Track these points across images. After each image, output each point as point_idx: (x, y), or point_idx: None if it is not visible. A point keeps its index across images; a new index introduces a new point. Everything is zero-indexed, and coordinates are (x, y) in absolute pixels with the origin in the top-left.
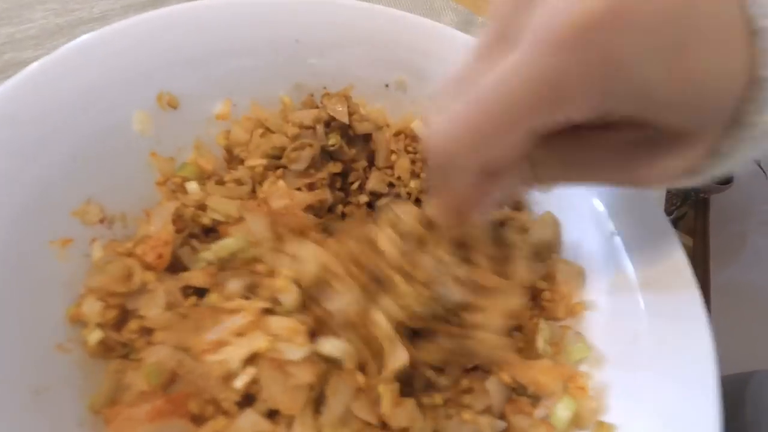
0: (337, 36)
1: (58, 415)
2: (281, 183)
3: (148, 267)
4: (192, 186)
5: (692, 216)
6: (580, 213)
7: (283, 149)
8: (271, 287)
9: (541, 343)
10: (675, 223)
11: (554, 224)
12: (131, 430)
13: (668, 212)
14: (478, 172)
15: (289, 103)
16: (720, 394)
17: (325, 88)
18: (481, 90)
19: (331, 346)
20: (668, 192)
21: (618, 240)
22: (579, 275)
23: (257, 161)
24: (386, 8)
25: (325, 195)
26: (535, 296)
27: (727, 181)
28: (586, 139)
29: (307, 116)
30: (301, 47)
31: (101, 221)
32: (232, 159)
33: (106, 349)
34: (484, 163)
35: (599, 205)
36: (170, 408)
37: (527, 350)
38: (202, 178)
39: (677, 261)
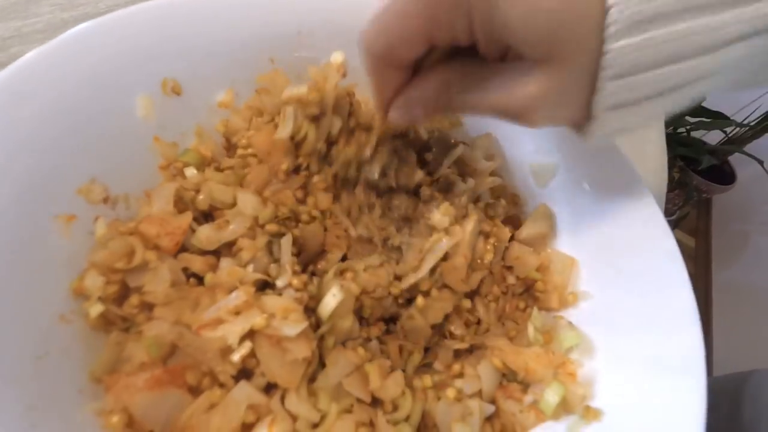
0: (337, 27)
1: (59, 381)
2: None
3: (156, 248)
4: (190, 171)
5: (694, 216)
6: (574, 206)
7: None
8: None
9: (531, 331)
10: (677, 223)
11: (549, 217)
12: (130, 397)
13: (670, 212)
14: (381, 61)
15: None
16: (705, 383)
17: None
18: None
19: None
20: (671, 192)
21: (612, 232)
22: (572, 266)
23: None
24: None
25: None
26: (528, 287)
27: (729, 182)
28: (482, 67)
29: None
30: (302, 38)
31: (105, 201)
32: (230, 147)
33: (106, 322)
34: (400, 56)
35: (593, 199)
36: (168, 378)
37: (519, 338)
38: (203, 164)
39: (669, 253)
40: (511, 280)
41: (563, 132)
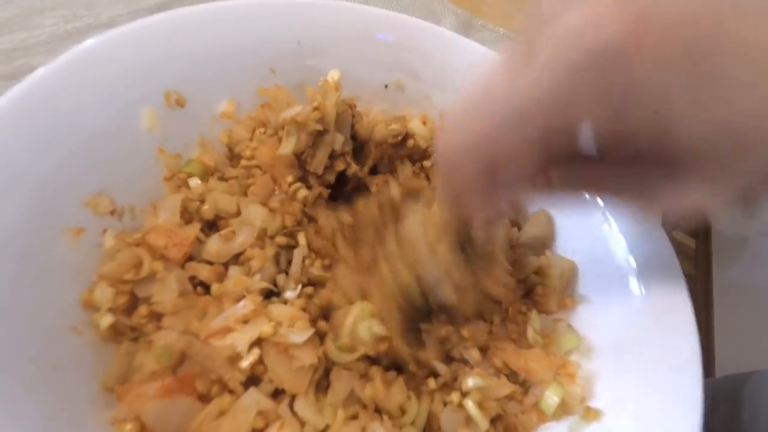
0: (337, 38)
1: (73, 391)
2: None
3: (164, 259)
4: (194, 182)
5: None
6: (573, 210)
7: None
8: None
9: (531, 333)
10: (676, 225)
11: (548, 221)
12: (141, 406)
13: None
14: (486, 181)
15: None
16: (702, 383)
17: None
18: (494, 99)
19: None
20: None
21: (611, 236)
22: (571, 270)
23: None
24: (385, 11)
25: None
26: (529, 290)
27: None
28: (595, 167)
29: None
30: (302, 49)
31: (112, 213)
32: (233, 156)
33: (116, 333)
34: (491, 167)
35: (594, 203)
36: (178, 386)
37: (520, 341)
38: (206, 174)
39: (666, 256)
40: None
41: None
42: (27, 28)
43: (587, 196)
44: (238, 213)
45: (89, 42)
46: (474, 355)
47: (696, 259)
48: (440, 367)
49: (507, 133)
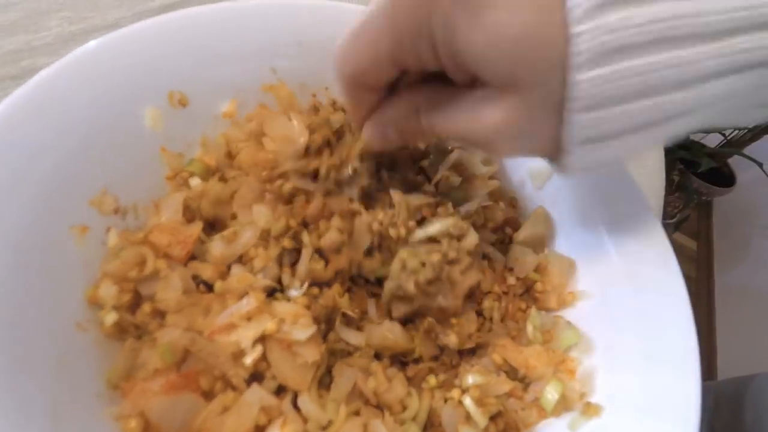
0: (337, 38)
1: (78, 387)
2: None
3: (167, 257)
4: (195, 181)
5: (695, 219)
6: (571, 207)
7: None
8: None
9: (530, 329)
10: (678, 226)
11: (546, 219)
12: (146, 402)
13: (671, 215)
14: (353, 83)
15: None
16: (700, 376)
17: (327, 88)
18: (361, 19)
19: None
20: (671, 195)
21: (608, 232)
22: (570, 267)
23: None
24: None
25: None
26: (528, 287)
27: (729, 184)
28: (450, 92)
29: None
30: (303, 49)
31: (115, 211)
32: (232, 157)
33: (120, 330)
34: (370, 79)
35: (591, 200)
36: (182, 383)
37: (519, 338)
38: (207, 174)
39: (663, 251)
40: (511, 280)
41: None
42: (32, 30)
43: (584, 189)
44: (234, 216)
45: (92, 43)
46: (452, 340)
47: (697, 261)
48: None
49: (368, 44)
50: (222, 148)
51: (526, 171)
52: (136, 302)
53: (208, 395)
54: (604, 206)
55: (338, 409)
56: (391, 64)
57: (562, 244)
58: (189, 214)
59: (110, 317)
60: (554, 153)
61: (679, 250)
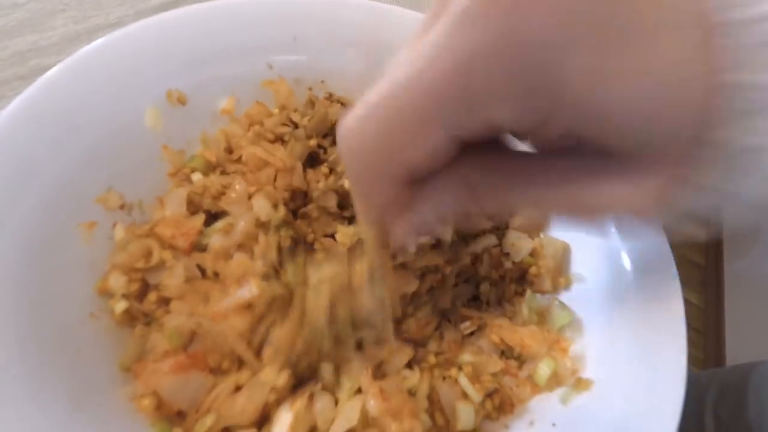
0: (332, 32)
1: (94, 371)
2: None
3: (172, 248)
4: (197, 176)
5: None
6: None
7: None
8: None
9: (526, 310)
10: None
11: None
12: (157, 381)
13: None
14: (397, 179)
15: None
16: (686, 351)
17: (323, 81)
18: (393, 77)
19: None
20: None
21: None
22: (565, 250)
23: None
24: (378, 3)
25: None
26: (524, 272)
27: None
28: (524, 161)
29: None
30: (298, 44)
31: (121, 207)
32: (232, 152)
33: (130, 318)
34: (401, 166)
35: None
36: (190, 362)
37: (515, 319)
38: (208, 169)
39: (655, 233)
40: (507, 265)
41: None
42: (39, 30)
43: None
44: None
45: (92, 45)
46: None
47: (706, 250)
48: None
49: (408, 119)
50: (221, 143)
51: None
52: (144, 291)
53: (216, 372)
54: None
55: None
56: (452, 141)
57: (557, 228)
58: (192, 207)
59: (120, 305)
60: None
61: (687, 239)
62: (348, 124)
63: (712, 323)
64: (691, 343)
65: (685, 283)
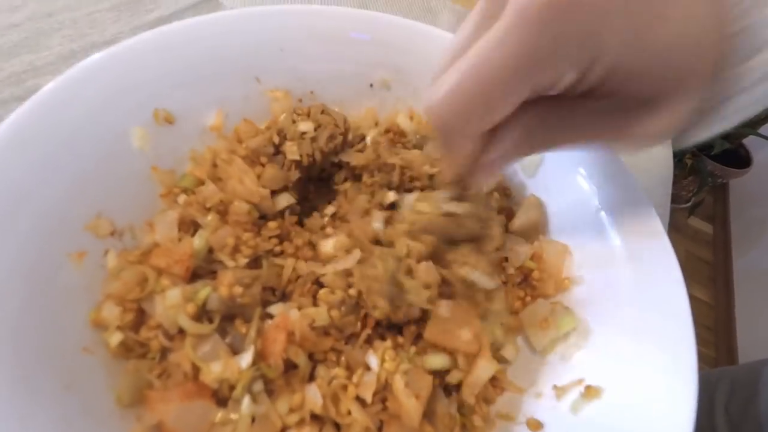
0: (318, 42)
1: (88, 407)
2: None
3: (170, 275)
4: (181, 198)
5: (711, 202)
6: (563, 193)
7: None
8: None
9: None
10: (692, 210)
11: (539, 206)
12: (165, 406)
13: (685, 199)
14: (478, 135)
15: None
16: (696, 354)
17: (312, 92)
18: (471, 60)
19: None
20: (684, 179)
21: (601, 216)
22: (565, 252)
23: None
24: (363, 11)
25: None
26: (526, 276)
27: (745, 165)
28: (570, 106)
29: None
30: (285, 55)
31: (112, 233)
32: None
33: (126, 350)
34: (482, 126)
35: (582, 185)
36: (197, 391)
37: None
38: (200, 186)
39: (656, 232)
40: (509, 270)
41: None
42: (35, 49)
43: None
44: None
45: (78, 66)
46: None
47: (714, 246)
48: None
49: (490, 90)
50: (208, 161)
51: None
52: (139, 320)
53: (221, 402)
54: (595, 191)
55: None
56: (524, 89)
57: (556, 230)
58: (185, 226)
59: (115, 338)
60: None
61: (695, 235)
62: (438, 98)
63: (722, 320)
64: (702, 340)
65: (694, 279)
